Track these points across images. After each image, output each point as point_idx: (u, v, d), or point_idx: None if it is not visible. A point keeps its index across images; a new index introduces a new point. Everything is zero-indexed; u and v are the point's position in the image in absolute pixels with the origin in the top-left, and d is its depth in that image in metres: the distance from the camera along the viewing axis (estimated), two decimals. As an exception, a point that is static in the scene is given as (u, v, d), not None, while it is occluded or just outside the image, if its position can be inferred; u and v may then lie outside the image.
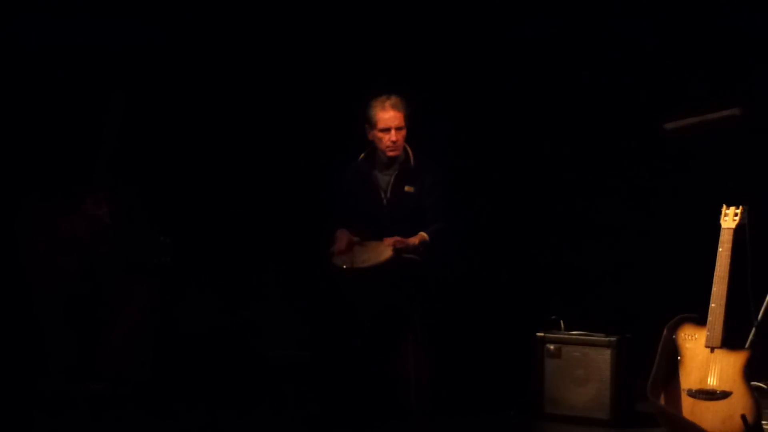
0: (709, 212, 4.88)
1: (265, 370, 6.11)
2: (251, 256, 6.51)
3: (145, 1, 6.32)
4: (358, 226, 5.63)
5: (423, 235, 5.57)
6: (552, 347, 5.43)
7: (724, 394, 4.62)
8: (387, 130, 5.58)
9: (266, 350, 6.27)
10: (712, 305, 4.70)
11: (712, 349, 4.69)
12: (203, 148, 6.47)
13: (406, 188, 5.68)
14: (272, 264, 6.51)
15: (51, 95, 6.07)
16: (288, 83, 6.47)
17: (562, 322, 5.55)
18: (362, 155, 5.76)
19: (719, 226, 4.81)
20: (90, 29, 6.21)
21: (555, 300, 5.83)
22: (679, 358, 4.76)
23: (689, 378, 4.71)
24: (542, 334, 5.48)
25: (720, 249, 4.76)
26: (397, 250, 5.46)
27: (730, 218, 4.80)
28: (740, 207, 4.81)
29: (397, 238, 5.49)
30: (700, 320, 4.74)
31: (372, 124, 5.62)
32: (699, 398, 4.67)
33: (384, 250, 5.47)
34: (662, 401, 4.76)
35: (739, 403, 4.58)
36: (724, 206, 4.84)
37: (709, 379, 4.67)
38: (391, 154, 5.63)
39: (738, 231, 4.77)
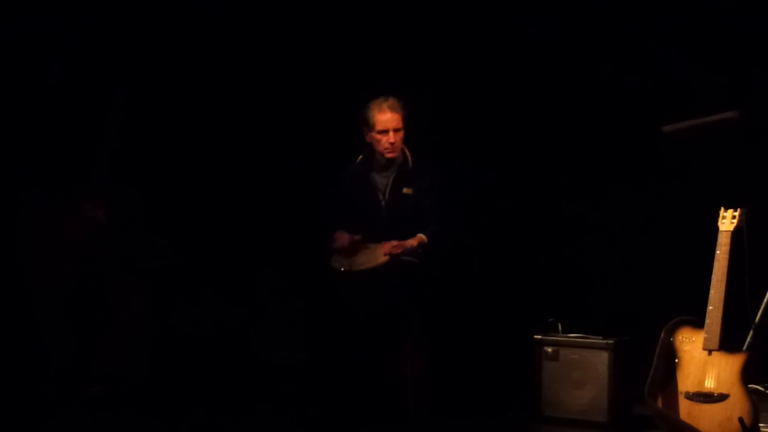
0: (706, 215, 4.88)
1: (263, 372, 6.10)
2: (249, 257, 6.50)
3: (146, 2, 6.32)
4: (357, 228, 5.63)
5: (421, 237, 5.57)
6: (550, 350, 5.43)
7: (722, 397, 4.62)
8: (385, 131, 5.58)
9: (264, 352, 6.27)
10: (710, 308, 4.70)
11: (710, 352, 4.69)
12: (201, 150, 6.46)
13: (405, 190, 5.67)
14: (270, 266, 6.51)
15: (49, 96, 6.07)
16: (286, 85, 6.46)
17: (559, 324, 5.55)
18: (360, 157, 5.76)
19: (717, 228, 4.81)
20: (89, 29, 6.21)
21: (553, 302, 5.82)
22: (676, 360, 4.76)
23: (687, 381, 4.71)
24: (540, 336, 5.48)
25: (718, 252, 4.76)
26: (394, 255, 5.47)
27: (728, 221, 4.80)
28: (738, 210, 4.81)
29: (394, 243, 5.49)
30: (698, 323, 4.74)
31: (370, 125, 5.62)
32: (696, 401, 4.67)
33: (381, 253, 5.48)
34: (660, 404, 4.76)
35: (737, 405, 4.58)
36: (722, 209, 4.84)
37: (706, 382, 4.67)
38: (389, 155, 5.63)
39: (736, 234, 4.77)
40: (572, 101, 6.09)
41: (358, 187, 5.73)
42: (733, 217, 4.80)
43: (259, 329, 6.41)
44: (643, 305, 5.61)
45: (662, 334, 4.79)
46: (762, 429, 4.71)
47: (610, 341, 5.34)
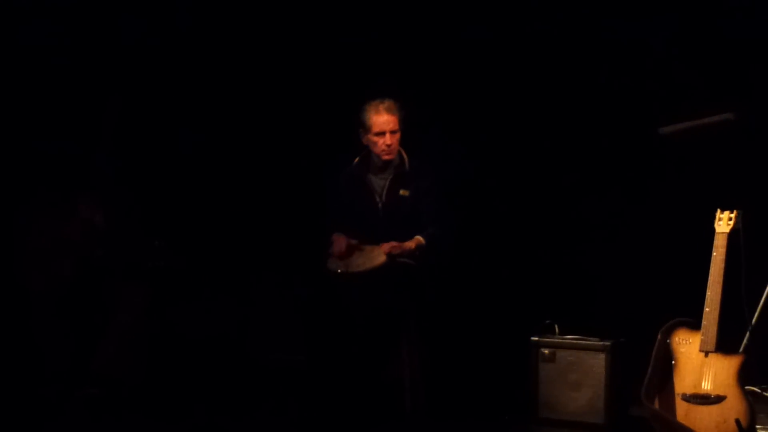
0: (703, 216, 4.89)
1: (260, 374, 6.10)
2: (246, 259, 6.50)
3: (144, 1, 6.32)
4: (354, 230, 5.63)
5: (419, 238, 5.57)
6: (547, 351, 5.44)
7: (719, 399, 4.62)
8: (381, 133, 5.58)
9: (261, 353, 6.26)
10: (707, 309, 4.70)
11: (707, 354, 4.69)
12: (199, 151, 6.46)
13: (402, 192, 5.67)
14: (267, 267, 6.51)
15: (47, 97, 6.07)
16: (284, 87, 6.46)
17: (556, 326, 5.56)
18: (357, 159, 5.76)
19: (713, 230, 4.81)
20: (88, 30, 6.21)
21: (549, 304, 5.82)
22: (673, 362, 4.76)
23: (683, 382, 4.71)
24: (537, 338, 5.49)
25: (714, 253, 4.76)
26: (391, 256, 5.47)
27: (724, 223, 4.81)
28: (734, 211, 4.82)
29: (393, 243, 5.49)
30: (695, 324, 4.74)
31: (366, 127, 5.62)
32: (693, 402, 4.67)
33: (379, 255, 5.48)
34: (656, 405, 4.76)
35: (734, 407, 4.58)
36: (719, 210, 4.84)
37: (703, 384, 4.67)
38: (385, 157, 5.63)
39: (732, 235, 4.78)
40: (569, 103, 6.08)
41: (355, 188, 5.73)
42: (730, 219, 4.81)
43: (256, 331, 6.41)
44: (640, 307, 5.60)
45: (659, 336, 4.79)
46: (759, 431, 4.72)
47: (607, 343, 5.35)
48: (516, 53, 6.14)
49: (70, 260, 5.82)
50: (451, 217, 5.67)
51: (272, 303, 6.44)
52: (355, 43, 6.32)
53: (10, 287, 5.87)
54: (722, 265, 4.72)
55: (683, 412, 4.69)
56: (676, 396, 4.71)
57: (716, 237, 4.79)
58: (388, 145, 5.59)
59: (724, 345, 4.68)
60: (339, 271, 5.49)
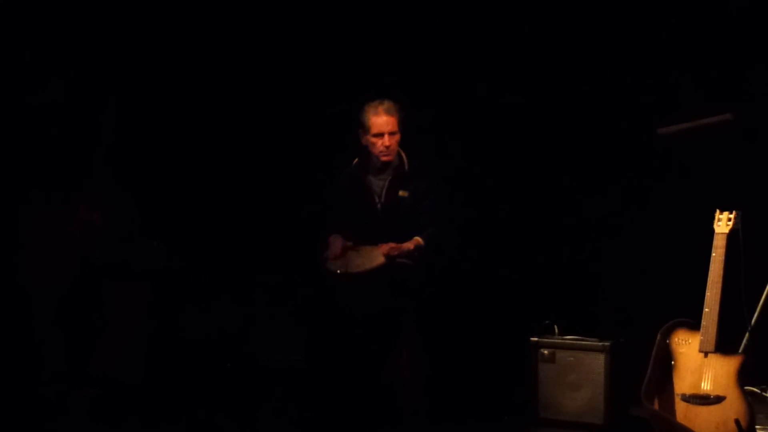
0: (702, 217, 4.89)
1: (258, 375, 6.10)
2: (246, 259, 6.50)
3: (143, 1, 6.32)
4: (353, 231, 5.63)
5: (418, 239, 5.57)
6: (546, 352, 5.44)
7: (718, 399, 4.62)
8: (380, 135, 5.58)
9: (260, 354, 6.26)
10: (706, 310, 4.70)
11: (706, 354, 4.69)
12: (197, 152, 6.46)
13: (401, 193, 5.68)
14: (267, 268, 6.50)
15: (46, 98, 6.07)
16: (283, 88, 6.46)
17: (556, 326, 5.55)
18: (356, 160, 5.76)
19: (713, 230, 4.81)
20: (86, 30, 6.21)
21: (549, 305, 5.82)
22: (672, 362, 4.76)
23: (683, 383, 4.71)
24: (536, 338, 5.49)
25: (713, 254, 4.76)
26: (390, 257, 5.47)
27: (723, 223, 4.81)
28: (734, 212, 4.82)
29: (392, 244, 5.49)
30: (694, 325, 4.74)
31: (365, 128, 5.62)
32: (693, 403, 4.67)
33: (377, 255, 5.49)
34: (656, 406, 4.76)
35: (733, 407, 4.58)
36: (718, 211, 4.84)
37: (702, 384, 4.67)
38: (384, 159, 5.63)
39: (731, 236, 4.77)
40: (569, 103, 6.08)
41: (354, 190, 5.73)
42: (729, 220, 4.80)
43: (256, 331, 6.40)
44: (639, 307, 5.61)
45: (658, 337, 4.79)
46: (758, 431, 4.71)
47: (607, 343, 5.35)
48: (516, 53, 6.14)
49: (69, 261, 5.82)
50: (450, 218, 5.66)
51: (272, 304, 6.44)
52: (355, 43, 6.32)
53: (10, 287, 5.87)
54: (721, 266, 4.72)
55: (683, 412, 4.69)
56: (675, 396, 4.71)
57: (715, 237, 4.79)
58: (387, 147, 5.59)
59: (723, 345, 4.68)
60: (338, 271, 5.50)
